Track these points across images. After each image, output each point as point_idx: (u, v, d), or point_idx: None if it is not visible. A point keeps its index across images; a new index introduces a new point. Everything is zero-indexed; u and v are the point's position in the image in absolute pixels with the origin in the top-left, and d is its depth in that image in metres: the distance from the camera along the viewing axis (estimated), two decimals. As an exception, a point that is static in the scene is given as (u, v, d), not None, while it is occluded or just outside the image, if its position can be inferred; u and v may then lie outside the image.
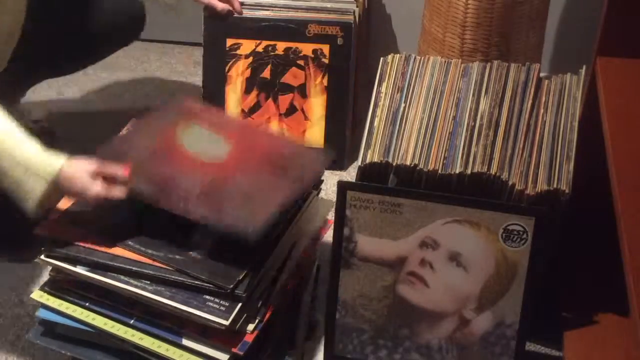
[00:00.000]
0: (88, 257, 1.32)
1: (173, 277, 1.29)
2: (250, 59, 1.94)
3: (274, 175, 1.36)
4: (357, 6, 1.92)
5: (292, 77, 1.94)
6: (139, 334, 1.32)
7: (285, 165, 1.39)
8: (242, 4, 1.93)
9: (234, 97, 1.96)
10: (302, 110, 1.95)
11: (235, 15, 1.92)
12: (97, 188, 1.28)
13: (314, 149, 1.53)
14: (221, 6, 1.89)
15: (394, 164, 1.38)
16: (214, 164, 1.38)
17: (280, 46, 1.93)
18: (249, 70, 1.95)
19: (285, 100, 1.95)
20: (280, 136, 1.54)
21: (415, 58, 1.52)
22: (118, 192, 1.29)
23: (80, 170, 1.29)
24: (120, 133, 1.52)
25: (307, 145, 1.58)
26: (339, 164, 1.95)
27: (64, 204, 1.40)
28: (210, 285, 1.28)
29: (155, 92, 2.24)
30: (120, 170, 1.31)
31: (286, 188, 1.34)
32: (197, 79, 2.20)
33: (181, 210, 1.29)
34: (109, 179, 1.30)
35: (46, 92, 2.15)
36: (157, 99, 2.20)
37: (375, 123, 1.44)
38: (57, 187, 1.29)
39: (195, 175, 1.34)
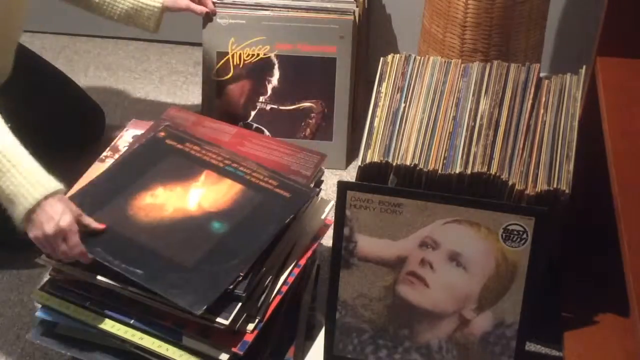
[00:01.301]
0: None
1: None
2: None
3: (249, 221, 1.38)
4: (357, 6, 1.92)
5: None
6: (139, 334, 1.32)
7: (262, 207, 1.40)
8: (242, 4, 1.93)
9: (234, 97, 1.97)
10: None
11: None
12: (67, 232, 1.28)
13: (309, 152, 1.53)
14: (199, 9, 1.89)
15: (394, 164, 1.38)
16: (185, 215, 1.39)
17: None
18: (249, 70, 1.96)
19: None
20: (271, 145, 1.53)
21: (415, 58, 1.52)
22: (78, 252, 1.29)
23: (69, 204, 1.31)
24: (116, 140, 1.53)
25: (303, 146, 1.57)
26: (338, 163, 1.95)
27: None
28: (210, 285, 1.28)
29: (155, 92, 2.24)
30: (94, 224, 1.33)
31: (254, 246, 1.33)
32: (197, 79, 2.20)
33: (141, 280, 1.28)
34: (81, 226, 1.30)
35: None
36: (156, 98, 2.21)
37: (375, 123, 1.44)
38: (40, 212, 1.28)
39: (162, 237, 1.35)
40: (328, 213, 1.51)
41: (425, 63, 1.51)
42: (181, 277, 1.28)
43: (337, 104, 1.93)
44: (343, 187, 1.35)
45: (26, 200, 1.27)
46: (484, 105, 1.44)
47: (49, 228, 1.27)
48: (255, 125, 1.96)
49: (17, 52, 1.74)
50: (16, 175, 1.28)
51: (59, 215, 1.27)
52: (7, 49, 1.69)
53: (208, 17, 1.91)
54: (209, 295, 1.25)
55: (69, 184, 1.45)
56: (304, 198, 1.43)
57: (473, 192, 1.36)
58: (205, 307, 1.24)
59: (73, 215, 1.29)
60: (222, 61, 1.94)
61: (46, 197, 1.28)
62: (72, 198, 1.38)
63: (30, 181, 1.29)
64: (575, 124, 1.41)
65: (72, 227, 1.28)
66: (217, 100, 1.97)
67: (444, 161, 1.37)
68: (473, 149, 1.38)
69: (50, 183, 1.30)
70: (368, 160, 1.39)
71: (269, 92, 1.95)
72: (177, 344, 1.30)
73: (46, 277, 1.39)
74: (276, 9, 1.93)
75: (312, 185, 1.47)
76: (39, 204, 1.27)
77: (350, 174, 1.94)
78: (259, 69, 1.94)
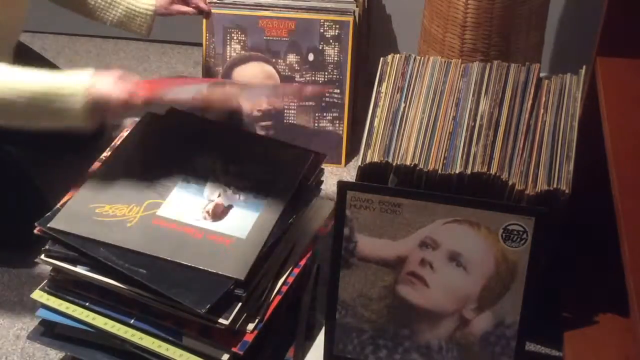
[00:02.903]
0: (88, 257, 1.32)
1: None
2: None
3: None
4: (357, 6, 1.92)
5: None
6: (139, 334, 1.32)
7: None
8: (242, 4, 1.93)
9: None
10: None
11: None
12: (122, 90, 1.34)
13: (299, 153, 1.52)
14: (190, 10, 1.89)
15: (394, 164, 1.38)
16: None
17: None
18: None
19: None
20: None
21: (415, 58, 1.52)
22: (138, 99, 1.34)
23: (108, 74, 1.37)
24: (120, 136, 1.53)
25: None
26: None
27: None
28: (210, 285, 1.28)
29: (155, 92, 2.24)
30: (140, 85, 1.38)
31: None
32: (197, 79, 2.20)
33: (144, 279, 1.28)
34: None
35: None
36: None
37: (375, 123, 1.44)
38: (93, 94, 1.34)
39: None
40: (328, 213, 1.51)
41: (425, 63, 1.51)
42: (184, 276, 1.28)
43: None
44: (343, 187, 1.35)
45: (77, 102, 1.33)
46: (484, 105, 1.44)
47: (109, 91, 1.34)
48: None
49: (17, 52, 1.74)
50: (53, 93, 1.34)
51: (107, 78, 1.35)
52: (5, 50, 1.69)
53: (204, 14, 1.91)
54: (213, 294, 1.25)
55: (69, 184, 1.45)
56: (307, 198, 1.43)
57: (473, 192, 1.36)
58: (209, 305, 1.24)
59: (117, 81, 1.36)
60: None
61: (89, 85, 1.34)
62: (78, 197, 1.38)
63: (69, 87, 1.34)
64: (575, 124, 1.41)
65: (122, 74, 1.36)
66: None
67: (444, 161, 1.37)
68: (473, 149, 1.38)
69: (81, 74, 1.36)
70: (368, 160, 1.39)
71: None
72: (177, 343, 1.30)
73: (46, 277, 1.39)
74: (276, 9, 1.93)
75: (312, 184, 1.48)
76: (89, 93, 1.33)
77: (350, 174, 1.94)
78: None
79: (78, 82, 1.35)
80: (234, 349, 1.28)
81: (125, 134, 1.56)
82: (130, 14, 1.79)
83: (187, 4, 1.87)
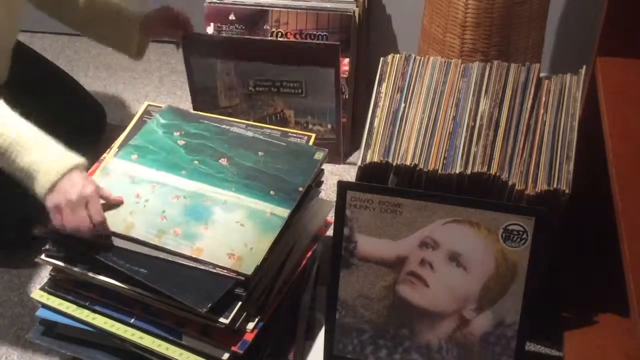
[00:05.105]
0: (88, 257, 1.32)
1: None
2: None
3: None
4: (357, 6, 1.92)
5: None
6: (139, 333, 1.32)
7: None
8: (242, 4, 1.93)
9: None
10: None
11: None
12: (91, 201, 1.32)
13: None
14: (177, 35, 1.87)
15: (394, 164, 1.38)
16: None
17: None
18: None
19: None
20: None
21: (415, 58, 1.52)
22: (99, 219, 1.32)
23: (89, 177, 1.37)
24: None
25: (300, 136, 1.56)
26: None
27: None
28: (210, 285, 1.28)
29: (155, 92, 2.24)
30: (113, 196, 1.38)
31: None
32: (197, 79, 2.20)
33: (145, 279, 1.28)
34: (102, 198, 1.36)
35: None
36: (157, 98, 2.21)
37: (375, 123, 1.44)
38: (65, 180, 1.32)
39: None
40: (328, 213, 1.51)
41: (425, 63, 1.51)
42: (185, 276, 1.28)
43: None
44: (343, 187, 1.35)
45: (50, 173, 1.31)
46: (484, 105, 1.44)
47: (73, 194, 1.31)
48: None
49: (17, 52, 1.74)
50: (38, 152, 1.33)
51: (82, 183, 1.32)
52: (3, 54, 1.69)
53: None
54: (214, 293, 1.26)
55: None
56: (307, 198, 1.43)
57: (473, 192, 1.36)
58: (210, 305, 1.24)
59: (95, 186, 1.34)
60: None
61: (70, 170, 1.32)
62: None
63: (53, 156, 1.34)
64: (575, 124, 1.41)
65: (95, 194, 1.33)
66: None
67: (444, 161, 1.37)
68: (473, 149, 1.38)
69: (72, 157, 1.35)
70: (368, 160, 1.39)
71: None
72: (177, 343, 1.31)
73: (46, 277, 1.39)
74: (276, 9, 1.93)
75: (312, 185, 1.48)
76: (63, 175, 1.31)
77: (350, 174, 1.94)
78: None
79: (56, 165, 1.33)
80: (234, 348, 1.28)
81: (123, 134, 1.57)
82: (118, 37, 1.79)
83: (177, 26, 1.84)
